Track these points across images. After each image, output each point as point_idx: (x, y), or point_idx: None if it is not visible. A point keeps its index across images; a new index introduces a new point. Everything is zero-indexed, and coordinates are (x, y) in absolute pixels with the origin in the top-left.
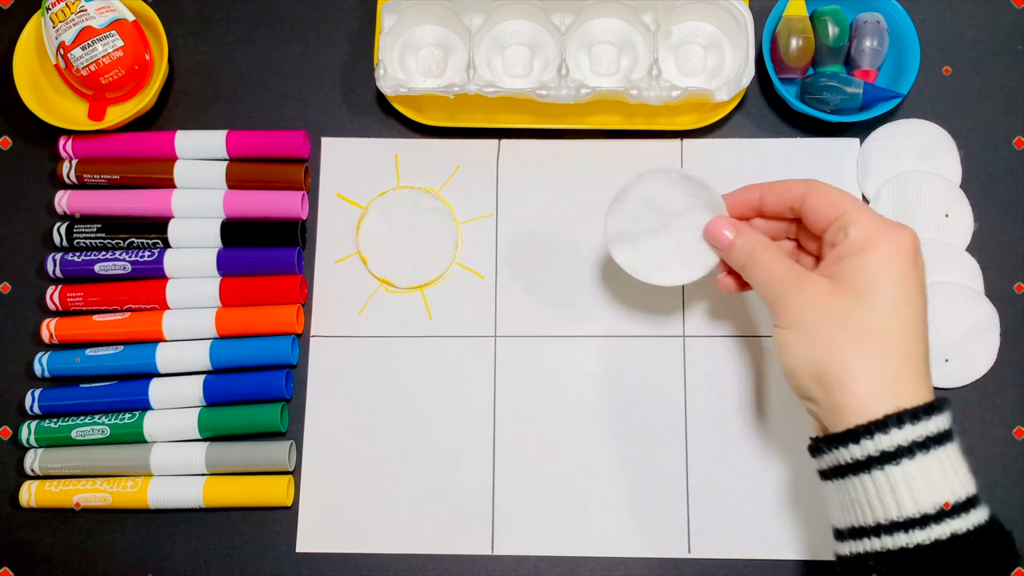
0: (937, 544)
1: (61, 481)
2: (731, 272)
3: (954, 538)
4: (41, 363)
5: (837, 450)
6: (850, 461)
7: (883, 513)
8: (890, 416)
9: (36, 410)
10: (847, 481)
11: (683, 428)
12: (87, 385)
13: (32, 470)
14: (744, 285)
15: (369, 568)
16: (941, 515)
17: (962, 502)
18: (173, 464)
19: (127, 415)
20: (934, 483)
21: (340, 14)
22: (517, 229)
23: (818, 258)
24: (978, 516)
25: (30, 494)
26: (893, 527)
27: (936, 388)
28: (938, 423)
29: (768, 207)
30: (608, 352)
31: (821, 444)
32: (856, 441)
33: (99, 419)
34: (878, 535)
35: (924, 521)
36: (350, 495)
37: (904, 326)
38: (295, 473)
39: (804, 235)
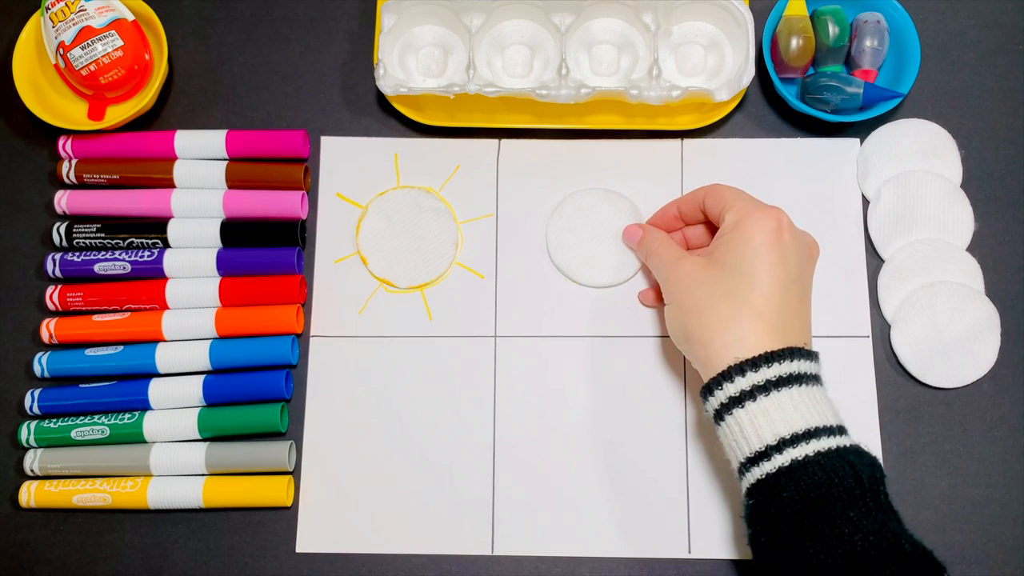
0: (782, 470)
1: (61, 481)
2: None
3: (795, 463)
4: (41, 363)
5: (707, 402)
6: (712, 413)
7: (740, 453)
8: (732, 367)
9: (36, 410)
10: (719, 429)
11: (683, 428)
12: (87, 385)
13: (32, 470)
14: (659, 299)
15: (369, 568)
16: (781, 445)
17: (800, 433)
18: (173, 464)
19: (127, 415)
20: (772, 420)
21: (340, 14)
22: (517, 229)
23: None
24: (822, 444)
25: (30, 494)
26: (750, 463)
27: (937, 388)
28: (777, 370)
29: (685, 215)
30: (609, 352)
31: (702, 401)
32: (712, 392)
33: (99, 419)
34: (743, 474)
35: (768, 453)
36: (350, 495)
37: (760, 289)
38: (295, 473)
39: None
